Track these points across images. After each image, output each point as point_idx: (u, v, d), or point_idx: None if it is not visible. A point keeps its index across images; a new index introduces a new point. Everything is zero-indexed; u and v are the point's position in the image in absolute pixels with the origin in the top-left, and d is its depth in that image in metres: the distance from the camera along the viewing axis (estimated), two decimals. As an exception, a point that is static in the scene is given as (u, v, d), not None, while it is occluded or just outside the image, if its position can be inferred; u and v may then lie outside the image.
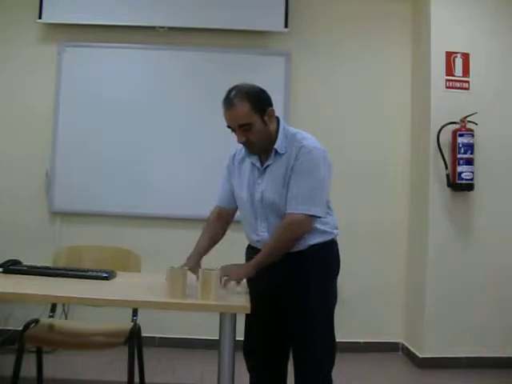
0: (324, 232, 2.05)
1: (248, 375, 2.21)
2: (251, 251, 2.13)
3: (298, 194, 1.95)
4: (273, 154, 2.03)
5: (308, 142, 2.01)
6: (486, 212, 3.59)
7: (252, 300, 1.81)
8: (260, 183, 2.06)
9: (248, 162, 2.12)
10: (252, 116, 1.94)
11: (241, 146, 2.09)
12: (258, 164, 2.07)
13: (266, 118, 1.99)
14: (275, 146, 2.01)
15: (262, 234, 2.06)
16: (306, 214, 1.94)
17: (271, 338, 2.14)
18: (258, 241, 2.08)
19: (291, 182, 1.98)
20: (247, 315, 1.81)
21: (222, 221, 2.23)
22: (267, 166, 2.05)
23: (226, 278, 1.92)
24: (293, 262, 1.99)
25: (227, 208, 2.23)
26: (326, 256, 2.08)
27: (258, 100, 1.97)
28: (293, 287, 2.00)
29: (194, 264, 2.04)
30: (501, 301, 3.57)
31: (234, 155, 2.20)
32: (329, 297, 2.08)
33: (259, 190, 2.05)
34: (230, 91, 1.98)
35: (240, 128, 1.96)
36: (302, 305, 2.00)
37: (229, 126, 1.99)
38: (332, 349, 2.05)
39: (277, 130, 2.04)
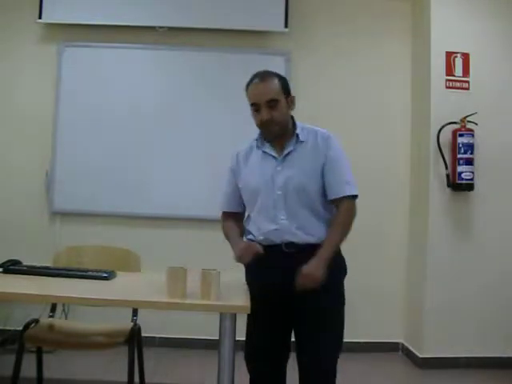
0: None
1: (248, 375, 2.21)
2: None
3: (344, 178, 2.03)
4: (294, 141, 2.06)
5: (327, 132, 2.12)
6: (486, 212, 3.60)
7: (252, 300, 1.81)
8: (280, 170, 2.05)
9: (256, 153, 2.12)
10: (280, 94, 2.02)
11: (243, 146, 2.14)
12: (273, 152, 2.08)
13: (289, 101, 2.06)
14: (297, 131, 2.07)
15: (282, 221, 2.03)
16: (354, 195, 2.04)
17: (272, 339, 2.13)
18: (276, 229, 2.03)
19: (330, 168, 2.03)
20: (249, 316, 1.81)
21: (238, 221, 2.22)
22: (288, 153, 2.06)
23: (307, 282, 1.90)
24: (301, 260, 1.95)
25: (238, 212, 2.23)
26: (335, 255, 2.07)
27: (285, 83, 2.07)
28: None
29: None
30: (501, 301, 3.57)
31: (237, 154, 2.20)
32: (338, 296, 2.07)
33: (282, 176, 2.04)
34: (258, 72, 2.05)
35: (267, 104, 1.99)
36: (311, 304, 1.98)
37: (253, 104, 2.02)
38: (338, 349, 2.03)
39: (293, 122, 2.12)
